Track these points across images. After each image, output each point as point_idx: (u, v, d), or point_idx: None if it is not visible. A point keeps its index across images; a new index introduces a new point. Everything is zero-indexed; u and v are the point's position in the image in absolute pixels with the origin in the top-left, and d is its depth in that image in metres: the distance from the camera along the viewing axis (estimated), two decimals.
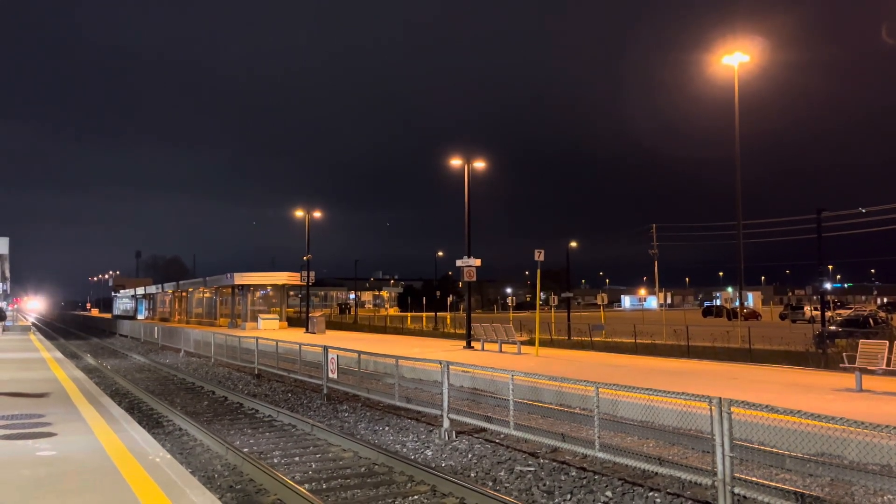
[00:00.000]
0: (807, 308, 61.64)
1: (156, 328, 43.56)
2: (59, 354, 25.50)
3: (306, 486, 9.07)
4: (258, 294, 54.33)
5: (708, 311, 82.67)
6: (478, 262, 28.44)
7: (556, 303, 47.56)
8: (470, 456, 11.07)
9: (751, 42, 33.24)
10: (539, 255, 25.27)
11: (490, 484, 9.39)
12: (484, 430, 12.59)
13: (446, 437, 12.25)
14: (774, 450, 10.21)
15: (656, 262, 50.86)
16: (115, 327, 63.77)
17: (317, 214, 51.74)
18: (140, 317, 77.76)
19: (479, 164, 30.81)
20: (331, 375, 17.76)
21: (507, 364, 20.67)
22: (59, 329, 74.57)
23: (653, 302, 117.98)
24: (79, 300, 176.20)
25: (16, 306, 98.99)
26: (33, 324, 75.30)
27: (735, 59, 30.95)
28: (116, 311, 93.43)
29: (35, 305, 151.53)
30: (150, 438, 9.09)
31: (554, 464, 10.39)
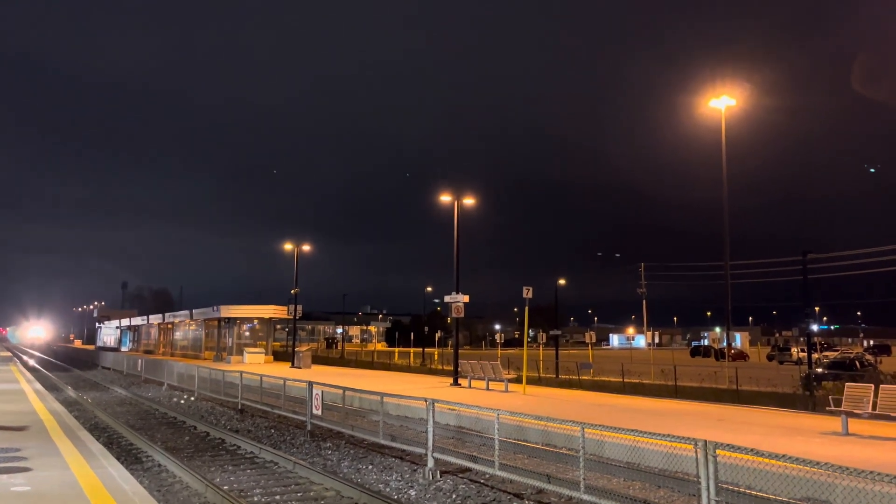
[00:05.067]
0: (794, 349, 61.71)
1: (139, 360, 43.04)
2: (39, 386, 25.08)
3: None
4: (245, 327, 53.85)
5: (696, 351, 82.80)
6: (466, 299, 28.39)
7: (544, 340, 47.50)
8: (454, 496, 10.91)
9: (738, 87, 33.80)
10: (527, 293, 25.29)
11: None
12: (469, 469, 12.44)
13: (430, 477, 12.08)
14: (761, 493, 10.12)
15: (644, 302, 50.93)
16: (97, 359, 62.97)
17: (306, 248, 51.57)
18: (124, 349, 76.87)
19: (469, 201, 30.99)
20: (315, 412, 17.55)
21: (493, 402, 20.49)
22: (40, 360, 73.51)
23: (641, 341, 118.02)
24: (63, 332, 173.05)
25: None
26: (13, 353, 74.14)
27: (722, 102, 31.45)
28: (100, 343, 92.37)
29: (39, 333, 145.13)
30: (128, 475, 8.90)
31: None
